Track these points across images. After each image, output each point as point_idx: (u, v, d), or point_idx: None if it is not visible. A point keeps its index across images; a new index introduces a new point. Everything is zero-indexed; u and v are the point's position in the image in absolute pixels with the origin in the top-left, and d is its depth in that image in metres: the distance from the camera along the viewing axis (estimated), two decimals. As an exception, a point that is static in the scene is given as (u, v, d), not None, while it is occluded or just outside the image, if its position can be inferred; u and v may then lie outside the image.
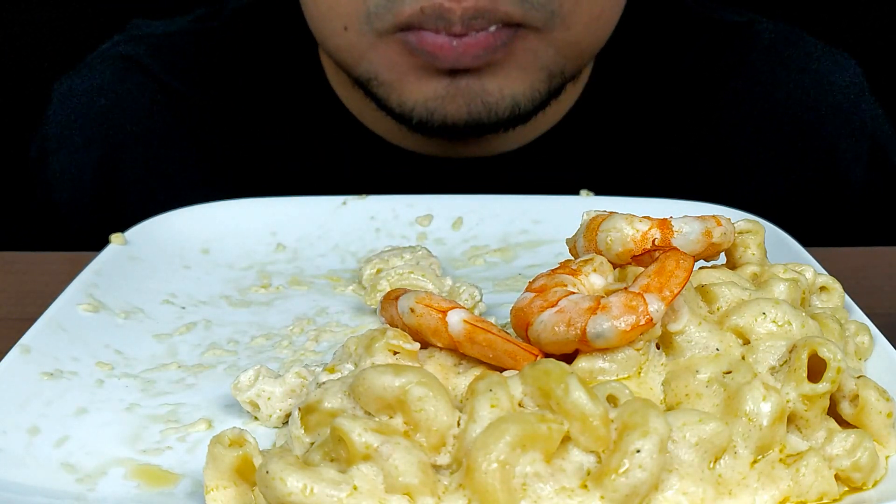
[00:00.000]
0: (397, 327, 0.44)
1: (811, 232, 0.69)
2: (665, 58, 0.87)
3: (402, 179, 0.80)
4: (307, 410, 0.40)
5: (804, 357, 0.40)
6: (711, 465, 0.38)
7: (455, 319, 0.43)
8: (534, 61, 0.74)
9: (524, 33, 0.72)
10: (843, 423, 0.41)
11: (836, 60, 0.88)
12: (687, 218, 0.47)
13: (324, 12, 0.75)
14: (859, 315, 0.50)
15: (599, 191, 0.71)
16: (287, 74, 0.86)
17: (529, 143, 0.84)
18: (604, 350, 0.41)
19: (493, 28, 0.71)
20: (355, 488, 0.36)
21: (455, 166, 0.83)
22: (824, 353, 0.40)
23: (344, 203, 0.69)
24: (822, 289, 0.50)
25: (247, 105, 0.86)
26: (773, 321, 0.42)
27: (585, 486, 0.36)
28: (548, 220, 0.68)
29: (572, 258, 0.48)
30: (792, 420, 0.40)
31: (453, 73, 0.73)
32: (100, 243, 0.62)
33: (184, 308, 0.58)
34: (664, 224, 0.46)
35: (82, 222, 0.86)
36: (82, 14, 1.19)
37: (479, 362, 0.43)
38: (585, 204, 0.65)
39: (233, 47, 0.88)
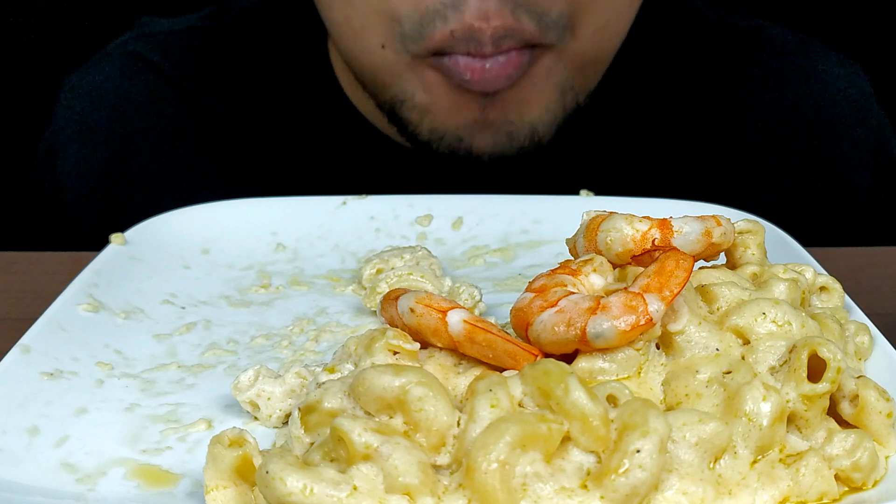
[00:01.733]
0: (397, 327, 0.44)
1: (811, 232, 0.69)
2: (671, 60, 0.87)
3: (404, 178, 0.80)
4: (307, 410, 0.40)
5: (804, 357, 0.40)
6: (711, 465, 0.38)
7: (455, 319, 0.43)
8: (548, 79, 0.74)
9: (541, 52, 0.73)
10: (843, 423, 0.41)
11: (844, 67, 0.88)
12: (687, 218, 0.47)
13: (358, 31, 0.74)
14: (859, 315, 0.50)
15: (599, 191, 0.71)
16: (296, 72, 0.86)
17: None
18: (604, 350, 0.41)
19: (515, 49, 0.71)
20: (355, 488, 0.36)
21: (457, 166, 0.83)
22: (824, 353, 0.40)
23: (344, 203, 0.69)
24: (822, 289, 0.50)
25: (255, 102, 0.86)
26: (773, 321, 0.42)
27: (585, 486, 0.36)
28: (548, 220, 0.68)
29: (572, 258, 0.48)
30: (792, 420, 0.40)
31: (484, 97, 0.73)
32: (105, 240, 0.62)
33: (184, 308, 0.58)
34: (664, 224, 0.46)
35: (90, 218, 0.86)
36: (91, 12, 1.20)
37: (479, 362, 0.43)
38: (585, 204, 0.65)
39: (241, 45, 0.88)
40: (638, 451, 0.36)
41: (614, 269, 0.46)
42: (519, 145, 0.76)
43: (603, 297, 0.42)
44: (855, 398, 0.41)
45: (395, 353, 0.42)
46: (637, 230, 0.46)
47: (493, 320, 0.45)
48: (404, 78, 0.74)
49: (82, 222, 0.86)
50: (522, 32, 0.70)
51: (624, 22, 0.77)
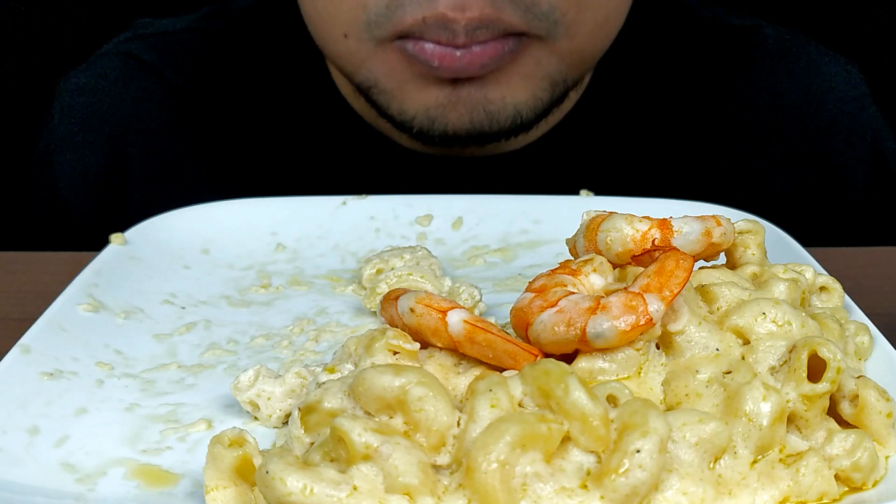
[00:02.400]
0: (397, 327, 0.44)
1: (811, 232, 0.69)
2: (668, 60, 0.87)
3: (404, 178, 0.80)
4: (307, 410, 0.40)
5: (804, 357, 0.40)
6: (711, 465, 0.38)
7: (455, 319, 0.43)
8: (537, 70, 0.74)
9: (528, 42, 0.72)
10: (843, 423, 0.41)
11: (840, 66, 0.88)
12: (687, 218, 0.47)
13: (325, 19, 0.74)
14: (859, 315, 0.50)
15: (599, 191, 0.71)
16: (292, 73, 0.86)
17: (531, 143, 0.84)
18: (604, 350, 0.41)
19: (496, 38, 0.70)
20: (355, 488, 0.36)
21: (457, 166, 0.83)
22: (824, 353, 0.40)
23: (344, 203, 0.69)
24: (822, 289, 0.50)
25: (252, 103, 0.86)
26: (773, 321, 0.42)
27: (585, 486, 0.36)
28: (548, 220, 0.68)
29: (572, 258, 0.48)
30: (792, 420, 0.40)
31: (455, 81, 0.72)
32: (104, 240, 0.62)
33: (184, 308, 0.58)
34: (664, 224, 0.46)
35: (87, 219, 0.86)
36: (88, 12, 1.20)
37: (479, 362, 0.43)
38: (585, 204, 0.65)
39: (238, 46, 0.88)
40: (638, 451, 0.36)
41: (614, 269, 0.46)
42: (500, 125, 0.74)
43: (603, 297, 0.42)
44: (855, 398, 0.41)
45: (395, 353, 0.42)
46: (637, 230, 0.46)
47: (493, 320, 0.45)
48: (366, 66, 0.74)
49: (81, 222, 0.86)
50: (502, 23, 0.69)
51: (621, 18, 0.77)
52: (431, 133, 0.75)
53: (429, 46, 0.70)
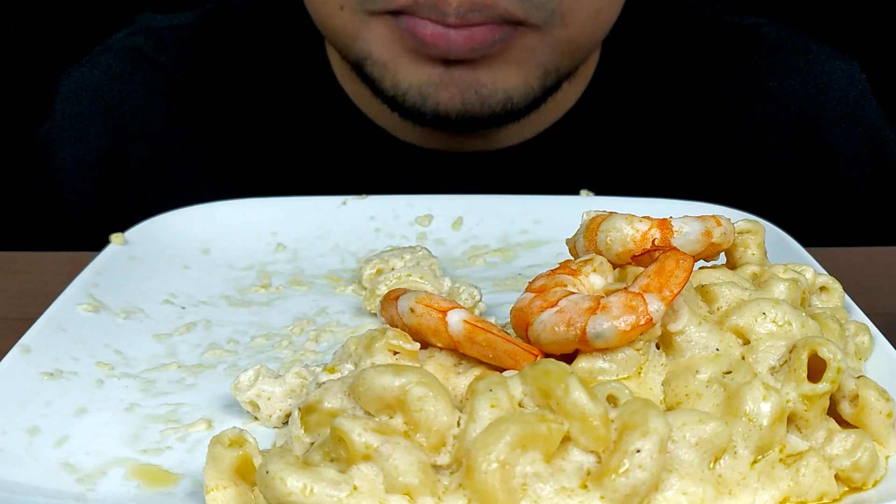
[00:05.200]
0: (397, 327, 0.44)
1: (811, 232, 0.69)
2: (669, 58, 0.87)
3: (405, 174, 0.80)
4: (307, 410, 0.40)
5: (804, 357, 0.40)
6: (711, 465, 0.38)
7: (455, 319, 0.43)
8: (530, 58, 0.74)
9: (523, 31, 0.72)
10: (843, 423, 0.41)
11: (840, 65, 0.88)
12: (687, 218, 0.47)
13: None
14: (859, 315, 0.50)
15: (599, 191, 0.71)
16: (293, 69, 0.86)
17: (532, 139, 0.84)
18: (604, 350, 0.41)
19: (490, 23, 0.70)
20: (355, 488, 0.36)
21: (458, 161, 0.83)
22: (824, 353, 0.40)
23: (344, 203, 0.69)
24: (822, 289, 0.50)
25: (253, 99, 0.86)
26: (773, 321, 0.42)
27: (585, 486, 0.36)
28: (548, 220, 0.68)
29: (572, 258, 0.48)
30: (792, 420, 0.40)
31: (447, 62, 0.73)
32: (105, 236, 0.62)
33: (184, 308, 0.58)
34: (664, 224, 0.46)
35: (88, 214, 0.86)
36: (90, 7, 1.20)
37: (479, 362, 0.43)
38: (585, 204, 0.65)
39: (240, 42, 0.88)
40: (638, 451, 0.36)
41: (614, 269, 0.46)
42: (490, 110, 0.75)
43: (603, 297, 0.42)
44: (855, 398, 0.41)
45: (395, 353, 0.42)
46: (637, 230, 0.46)
47: (493, 320, 0.45)
48: (360, 36, 0.75)
49: (79, 216, 0.86)
50: (497, 8, 0.70)
51: (613, 9, 0.77)
52: (423, 111, 0.75)
53: (420, 23, 0.70)
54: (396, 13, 0.72)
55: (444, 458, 0.37)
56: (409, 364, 0.41)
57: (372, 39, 0.74)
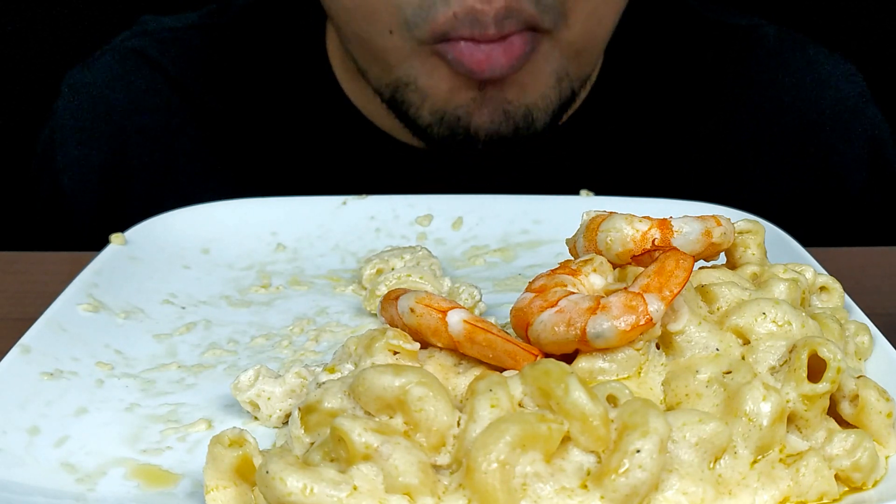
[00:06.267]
0: (397, 327, 0.44)
1: (811, 232, 0.69)
2: (669, 59, 0.88)
3: (405, 174, 0.80)
4: (307, 410, 0.40)
5: (804, 357, 0.40)
6: (711, 465, 0.38)
7: (455, 319, 0.43)
8: (545, 66, 0.75)
9: (539, 37, 0.73)
10: (843, 423, 0.41)
11: (838, 65, 0.89)
12: (687, 218, 0.47)
13: (367, 15, 0.75)
14: (859, 315, 0.50)
15: (599, 191, 0.71)
16: (294, 70, 0.86)
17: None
18: (604, 350, 0.41)
19: (519, 33, 0.71)
20: (355, 488, 0.36)
21: (457, 163, 0.83)
22: (824, 353, 0.40)
23: (344, 203, 0.69)
24: (822, 289, 0.50)
25: (254, 100, 0.86)
26: (773, 321, 0.42)
27: (585, 486, 0.36)
28: (548, 220, 0.68)
29: (572, 258, 0.48)
30: (792, 420, 0.40)
31: (482, 83, 0.74)
32: (107, 236, 0.62)
33: (184, 308, 0.58)
34: (664, 224, 0.46)
35: (89, 214, 0.86)
36: (92, 9, 1.20)
37: (479, 362, 0.43)
38: (585, 204, 0.65)
39: (241, 43, 0.88)
40: (638, 451, 0.36)
41: (614, 269, 0.46)
42: (514, 126, 0.76)
43: (603, 297, 0.42)
44: (855, 398, 0.41)
45: (395, 353, 0.42)
46: (637, 230, 0.46)
47: (493, 320, 0.45)
48: (408, 63, 0.75)
49: (81, 218, 0.86)
50: (523, 13, 0.71)
51: (613, 9, 0.77)
52: (457, 133, 0.76)
53: (465, 47, 0.71)
54: (441, 41, 0.72)
55: (444, 458, 0.37)
56: (409, 364, 0.41)
57: (419, 67, 0.75)
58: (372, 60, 0.78)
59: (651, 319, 0.40)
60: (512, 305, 0.45)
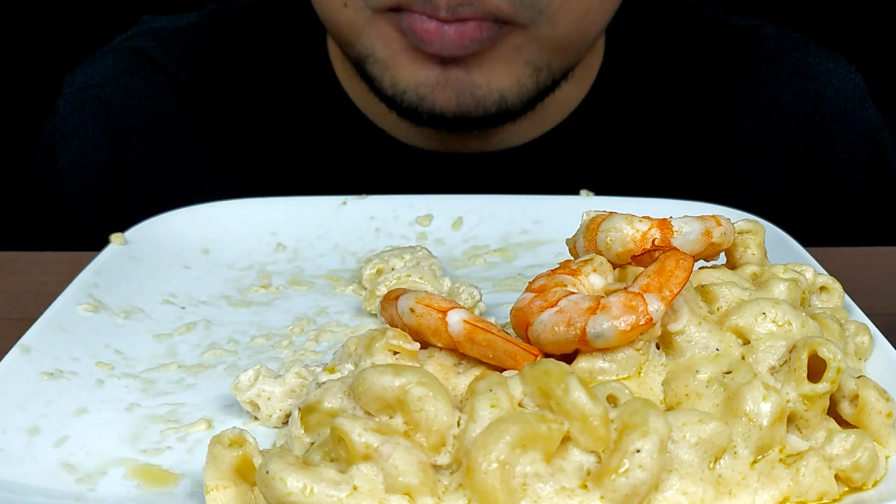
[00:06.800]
0: (397, 327, 0.44)
1: (811, 232, 0.69)
2: (668, 59, 0.88)
3: (405, 174, 0.81)
4: (307, 410, 0.40)
5: (804, 357, 0.40)
6: (711, 465, 0.38)
7: (455, 319, 0.43)
8: (517, 56, 0.75)
9: (509, 30, 0.73)
10: (843, 423, 0.41)
11: (838, 66, 0.89)
12: (687, 218, 0.47)
13: None
14: (859, 315, 0.50)
15: (599, 191, 0.71)
16: (295, 70, 0.87)
17: (532, 142, 0.84)
18: (604, 350, 0.41)
19: (480, 19, 0.71)
20: (355, 488, 0.36)
21: (459, 161, 0.83)
22: (824, 353, 0.40)
23: (344, 203, 0.69)
24: (822, 289, 0.50)
25: (255, 100, 0.87)
26: (773, 321, 0.42)
27: (585, 486, 0.36)
28: (548, 220, 0.68)
29: (572, 258, 0.48)
30: (792, 420, 0.40)
31: (444, 62, 0.74)
32: (106, 236, 0.62)
33: (184, 308, 0.58)
34: (664, 224, 0.46)
35: (90, 214, 0.86)
36: (93, 9, 1.20)
37: (479, 362, 0.43)
38: (585, 204, 0.65)
39: (242, 43, 0.89)
40: (638, 451, 0.36)
41: (614, 269, 0.46)
42: (485, 110, 0.76)
43: (603, 297, 0.42)
44: (855, 398, 0.41)
45: (395, 353, 0.42)
46: (637, 230, 0.46)
47: (493, 320, 0.45)
48: (364, 34, 0.76)
49: (82, 217, 0.86)
50: (485, 5, 0.71)
51: (606, 9, 0.77)
52: (420, 111, 0.76)
53: (417, 19, 0.71)
54: (397, 10, 0.72)
55: (444, 458, 0.37)
56: (409, 364, 0.41)
57: (375, 37, 0.75)
58: (339, 38, 0.79)
59: (651, 319, 0.40)
60: (512, 305, 0.45)
